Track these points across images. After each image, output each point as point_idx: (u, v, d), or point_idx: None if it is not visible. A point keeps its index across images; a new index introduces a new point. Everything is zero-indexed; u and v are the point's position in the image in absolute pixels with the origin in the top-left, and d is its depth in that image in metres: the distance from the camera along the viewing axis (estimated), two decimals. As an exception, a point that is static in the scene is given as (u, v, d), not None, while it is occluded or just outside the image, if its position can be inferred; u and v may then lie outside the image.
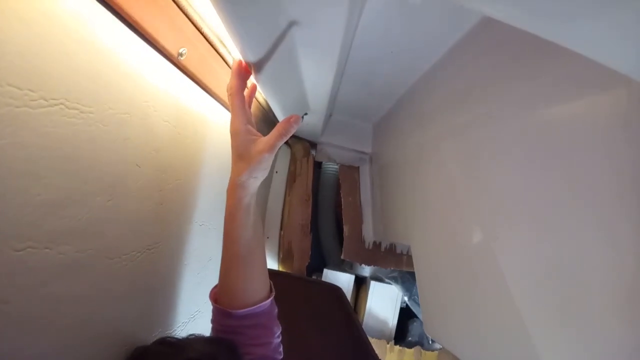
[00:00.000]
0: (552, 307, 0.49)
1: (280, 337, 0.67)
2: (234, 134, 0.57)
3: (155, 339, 0.61)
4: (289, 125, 0.57)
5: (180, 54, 0.54)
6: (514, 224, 0.58)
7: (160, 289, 0.65)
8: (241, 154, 0.57)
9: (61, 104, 0.38)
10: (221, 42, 0.63)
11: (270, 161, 0.58)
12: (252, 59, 0.55)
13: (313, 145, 1.30)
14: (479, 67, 0.66)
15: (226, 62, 0.67)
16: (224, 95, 0.71)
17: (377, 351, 1.12)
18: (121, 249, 0.51)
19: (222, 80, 0.69)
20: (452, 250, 0.78)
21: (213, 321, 0.63)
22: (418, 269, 0.91)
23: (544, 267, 0.51)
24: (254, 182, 0.57)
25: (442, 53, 0.77)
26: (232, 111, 0.58)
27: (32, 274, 0.38)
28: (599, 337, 0.43)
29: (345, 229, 1.26)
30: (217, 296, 0.62)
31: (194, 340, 0.59)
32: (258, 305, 0.62)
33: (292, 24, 0.50)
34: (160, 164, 0.58)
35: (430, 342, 1.38)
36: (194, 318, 0.78)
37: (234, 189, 0.57)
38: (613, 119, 0.40)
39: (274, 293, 0.66)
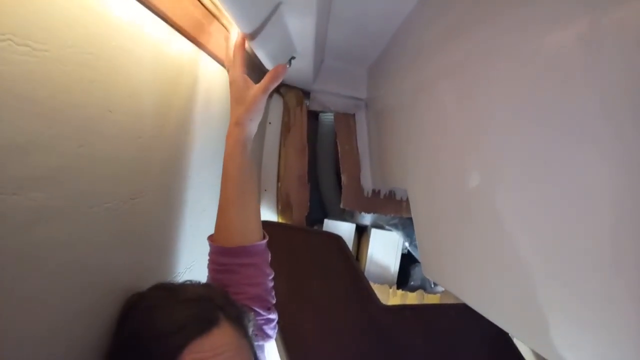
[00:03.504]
0: (550, 244, 0.48)
1: (273, 282, 0.71)
2: (232, 82, 0.69)
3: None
4: (279, 69, 0.69)
5: (145, -11, 0.50)
6: (512, 162, 0.56)
7: (152, 239, 0.65)
8: (238, 99, 0.68)
9: (9, 39, 0.35)
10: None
11: (263, 103, 0.68)
12: (247, 30, 0.64)
13: (306, 94, 1.26)
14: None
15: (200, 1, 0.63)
16: (199, 35, 0.68)
17: (379, 296, 1.14)
18: (101, 197, 0.50)
19: (196, 19, 0.65)
20: (448, 191, 0.76)
21: (210, 262, 0.68)
22: (415, 211, 0.90)
23: (542, 204, 0.49)
24: (251, 124, 0.68)
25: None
26: (233, 64, 0.69)
27: (3, 220, 0.37)
28: (595, 273, 0.42)
29: (343, 177, 1.25)
30: (214, 237, 0.68)
31: (190, 285, 0.62)
32: (253, 245, 0.67)
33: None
34: (136, 110, 0.56)
35: (432, 285, 1.40)
36: (190, 269, 0.78)
37: (233, 131, 0.67)
38: (622, 39, 0.36)
39: (267, 238, 0.70)
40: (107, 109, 0.49)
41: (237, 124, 0.67)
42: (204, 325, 0.52)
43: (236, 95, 0.68)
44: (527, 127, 0.52)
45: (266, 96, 0.68)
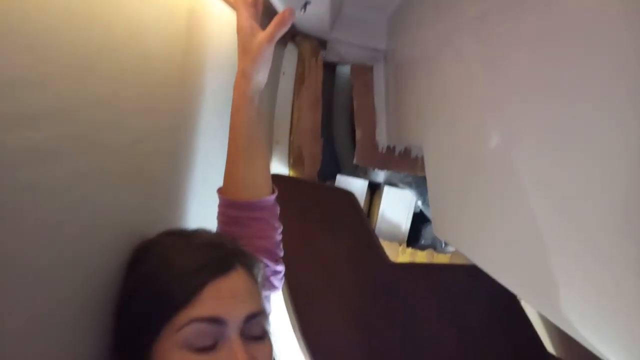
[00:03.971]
0: (565, 208, 0.47)
1: (281, 236, 0.71)
2: (238, 30, 0.64)
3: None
4: (285, 14, 0.61)
5: None
6: (533, 122, 0.54)
7: (157, 186, 0.64)
8: (244, 48, 0.63)
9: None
10: None
11: (269, 52, 0.63)
12: None
13: (323, 44, 1.20)
14: None
15: None
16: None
17: (389, 253, 1.13)
18: (103, 138, 0.48)
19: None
20: (465, 149, 0.74)
21: (219, 214, 0.68)
22: (429, 168, 0.88)
23: (560, 167, 0.48)
24: (258, 75, 0.63)
25: None
26: (237, 9, 0.64)
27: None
28: (608, 239, 0.41)
29: (358, 132, 1.22)
30: (223, 190, 0.68)
31: (200, 230, 0.62)
32: (262, 199, 0.66)
33: None
34: (140, 50, 0.53)
35: (443, 245, 1.39)
36: (199, 216, 0.78)
37: (240, 82, 0.63)
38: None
39: (276, 192, 0.69)
40: (106, 48, 0.47)
41: (243, 74, 0.63)
42: (222, 267, 0.52)
43: (242, 43, 0.64)
44: (550, 86, 0.50)
45: (272, 45, 0.62)
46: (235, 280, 0.53)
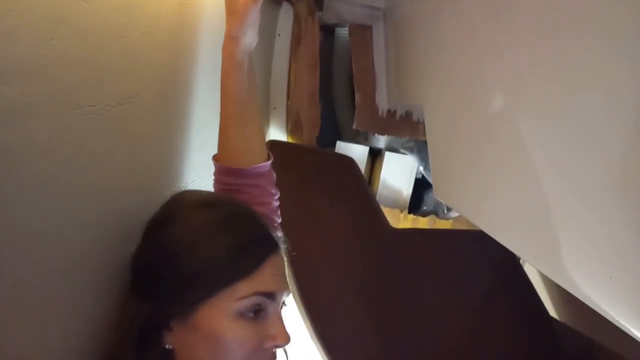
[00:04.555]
0: (569, 166, 0.47)
1: (278, 202, 0.70)
2: None
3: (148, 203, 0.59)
4: None
5: None
6: (537, 79, 0.52)
7: (147, 150, 0.62)
8: (230, 9, 0.60)
9: None
10: None
11: (255, 13, 0.60)
12: None
13: (319, 3, 1.15)
14: None
15: None
16: None
17: (390, 220, 1.12)
18: (84, 99, 0.46)
19: None
20: (467, 109, 0.72)
21: (215, 181, 0.67)
22: (430, 129, 0.86)
23: (564, 125, 0.47)
24: (245, 37, 0.61)
25: None
26: None
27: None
28: (608, 203, 0.41)
29: (357, 96, 1.19)
30: (218, 157, 0.67)
31: (222, 197, 0.64)
32: (256, 166, 0.65)
33: None
34: (121, 4, 0.50)
35: (445, 211, 1.38)
36: (193, 183, 0.76)
37: (227, 44, 0.61)
38: None
39: (272, 159, 0.68)
40: (83, -1, 0.44)
41: (230, 37, 0.61)
42: (275, 243, 0.55)
43: (228, 4, 0.61)
44: (552, 45, 0.49)
45: (258, 5, 0.60)
46: (280, 258, 0.55)
